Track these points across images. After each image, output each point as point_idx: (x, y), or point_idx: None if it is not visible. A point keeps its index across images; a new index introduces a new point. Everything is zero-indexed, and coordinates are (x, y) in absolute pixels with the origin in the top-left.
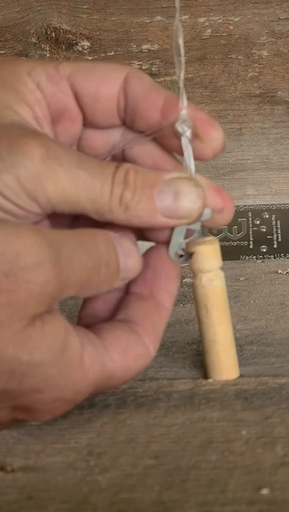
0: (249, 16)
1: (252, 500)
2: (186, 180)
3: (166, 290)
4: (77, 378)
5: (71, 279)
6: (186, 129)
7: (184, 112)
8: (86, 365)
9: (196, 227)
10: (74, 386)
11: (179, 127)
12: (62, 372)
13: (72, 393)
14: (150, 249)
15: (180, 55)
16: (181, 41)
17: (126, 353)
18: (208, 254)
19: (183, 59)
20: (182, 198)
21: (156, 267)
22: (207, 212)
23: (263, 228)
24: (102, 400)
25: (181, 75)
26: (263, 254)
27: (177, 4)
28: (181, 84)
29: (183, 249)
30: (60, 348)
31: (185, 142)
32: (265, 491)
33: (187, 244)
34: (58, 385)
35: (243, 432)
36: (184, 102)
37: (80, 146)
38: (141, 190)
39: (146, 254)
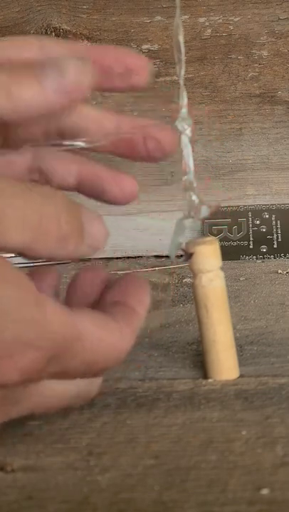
0: (249, 16)
1: (252, 500)
2: (69, 57)
3: (138, 298)
4: (33, 315)
5: (12, 214)
6: (186, 127)
7: (183, 110)
8: (46, 308)
9: (196, 226)
10: (31, 324)
11: (179, 125)
12: (11, 302)
13: (32, 333)
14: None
15: (180, 53)
16: (181, 38)
17: (101, 326)
18: (208, 255)
19: (183, 57)
20: (68, 70)
21: (127, 280)
22: (205, 210)
23: (263, 228)
24: (101, 400)
25: (182, 72)
26: (263, 254)
27: (178, 1)
28: (182, 82)
29: (183, 250)
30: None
31: (185, 140)
32: (265, 491)
33: (187, 244)
34: (9, 314)
35: (243, 432)
36: (184, 99)
37: None
38: (19, 73)
39: (118, 278)
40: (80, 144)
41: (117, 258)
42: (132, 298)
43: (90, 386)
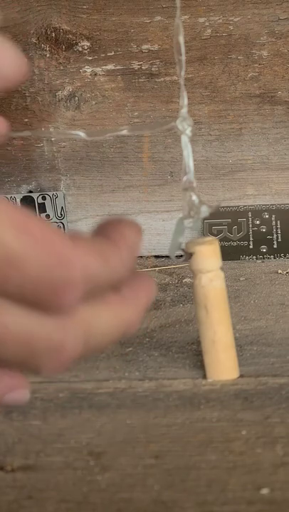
0: (249, 16)
1: (252, 500)
2: None
3: (121, 233)
4: None
5: None
6: (186, 127)
7: (184, 110)
8: None
9: (196, 226)
10: None
11: (180, 125)
12: None
13: None
14: None
15: (180, 53)
16: (181, 39)
17: (31, 217)
18: (208, 255)
19: (184, 57)
20: None
21: (109, 221)
22: (204, 209)
23: (262, 228)
24: (101, 400)
25: (182, 73)
26: (263, 254)
27: (178, 2)
28: (182, 82)
29: (182, 250)
30: None
31: (185, 140)
32: (265, 491)
33: (187, 244)
34: None
35: (243, 432)
36: (185, 100)
37: None
38: None
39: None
40: (81, 134)
41: None
42: (114, 232)
43: (60, 333)
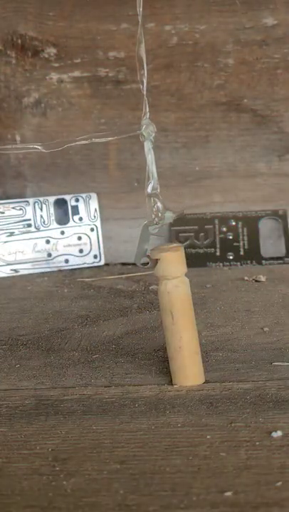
0: (215, 25)
1: (215, 503)
2: None
3: None
4: None
5: None
6: (149, 133)
7: (146, 117)
8: None
9: (162, 233)
10: None
11: (142, 131)
12: None
13: None
14: None
15: (142, 58)
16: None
17: None
18: (173, 261)
19: (145, 64)
20: None
21: None
22: (168, 216)
23: (229, 235)
24: (67, 407)
25: (144, 80)
26: (230, 261)
27: (140, 10)
28: (144, 88)
29: (148, 256)
30: None
31: (148, 146)
32: (228, 494)
33: (152, 251)
34: None
35: (208, 437)
36: (147, 106)
37: None
38: None
39: None
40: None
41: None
42: None
43: None
